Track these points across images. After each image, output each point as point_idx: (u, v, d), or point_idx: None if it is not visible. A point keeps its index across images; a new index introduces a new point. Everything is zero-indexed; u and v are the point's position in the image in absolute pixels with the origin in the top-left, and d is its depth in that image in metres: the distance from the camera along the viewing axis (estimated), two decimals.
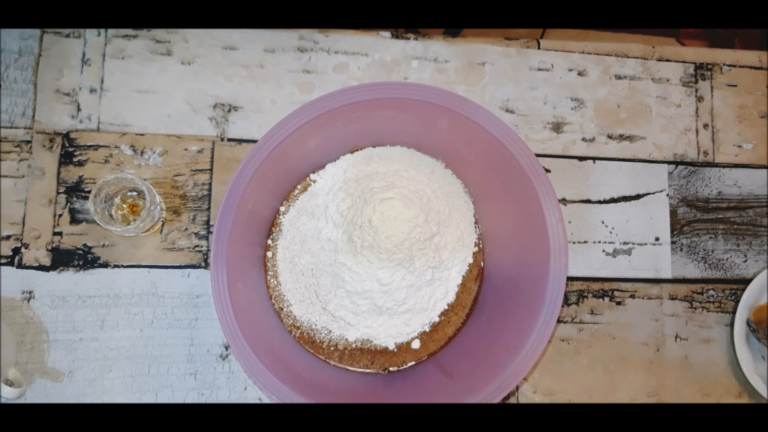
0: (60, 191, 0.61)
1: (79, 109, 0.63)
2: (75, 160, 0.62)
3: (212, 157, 0.64)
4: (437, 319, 0.61)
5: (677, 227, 0.69)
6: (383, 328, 0.59)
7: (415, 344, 0.60)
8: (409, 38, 0.68)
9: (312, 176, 0.62)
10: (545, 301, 0.53)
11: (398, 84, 0.55)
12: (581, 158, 0.69)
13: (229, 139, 0.64)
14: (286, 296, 0.60)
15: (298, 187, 0.62)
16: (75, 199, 0.61)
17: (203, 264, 0.62)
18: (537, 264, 0.55)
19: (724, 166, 0.71)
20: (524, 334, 0.53)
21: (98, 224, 0.56)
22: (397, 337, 0.60)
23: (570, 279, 0.67)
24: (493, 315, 0.60)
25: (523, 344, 0.52)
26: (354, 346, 0.60)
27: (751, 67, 0.74)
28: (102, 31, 0.64)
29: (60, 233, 0.61)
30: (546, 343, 0.52)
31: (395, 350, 0.60)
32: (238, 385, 0.61)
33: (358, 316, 0.58)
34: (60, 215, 0.61)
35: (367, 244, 0.56)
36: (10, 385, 0.55)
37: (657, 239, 0.69)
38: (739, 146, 0.72)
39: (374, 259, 0.56)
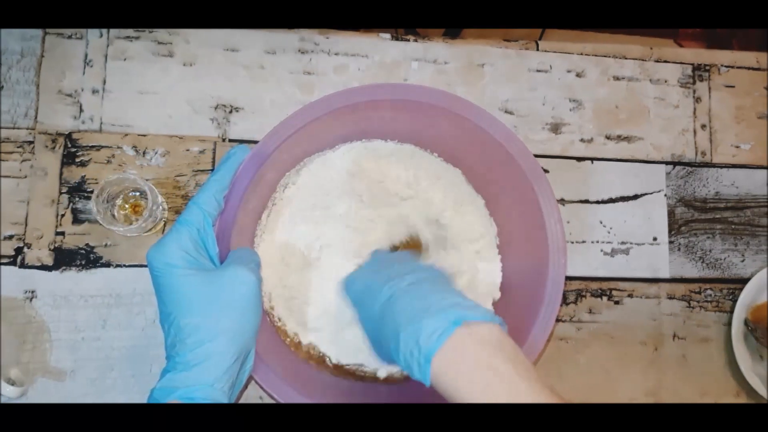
0: (62, 191, 0.62)
1: (81, 110, 0.63)
2: (77, 160, 0.62)
3: (214, 158, 0.64)
4: None
5: (675, 227, 0.70)
6: None
7: None
8: (408, 40, 0.69)
9: (312, 176, 0.62)
10: (544, 300, 0.53)
11: (398, 85, 0.55)
12: (580, 159, 0.69)
13: (231, 140, 0.65)
14: None
15: (299, 187, 0.62)
16: (77, 199, 0.62)
17: None
18: (536, 264, 0.55)
19: (721, 167, 0.72)
20: (523, 333, 0.53)
21: (100, 224, 0.56)
22: None
23: (568, 278, 0.67)
24: None
25: (521, 344, 0.53)
26: None
27: (749, 68, 0.74)
28: (104, 32, 0.64)
29: (62, 233, 0.61)
30: (545, 342, 0.53)
31: None
32: None
33: None
34: (62, 215, 0.61)
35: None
36: (12, 384, 0.55)
37: (655, 239, 0.69)
38: (737, 147, 0.72)
39: None
